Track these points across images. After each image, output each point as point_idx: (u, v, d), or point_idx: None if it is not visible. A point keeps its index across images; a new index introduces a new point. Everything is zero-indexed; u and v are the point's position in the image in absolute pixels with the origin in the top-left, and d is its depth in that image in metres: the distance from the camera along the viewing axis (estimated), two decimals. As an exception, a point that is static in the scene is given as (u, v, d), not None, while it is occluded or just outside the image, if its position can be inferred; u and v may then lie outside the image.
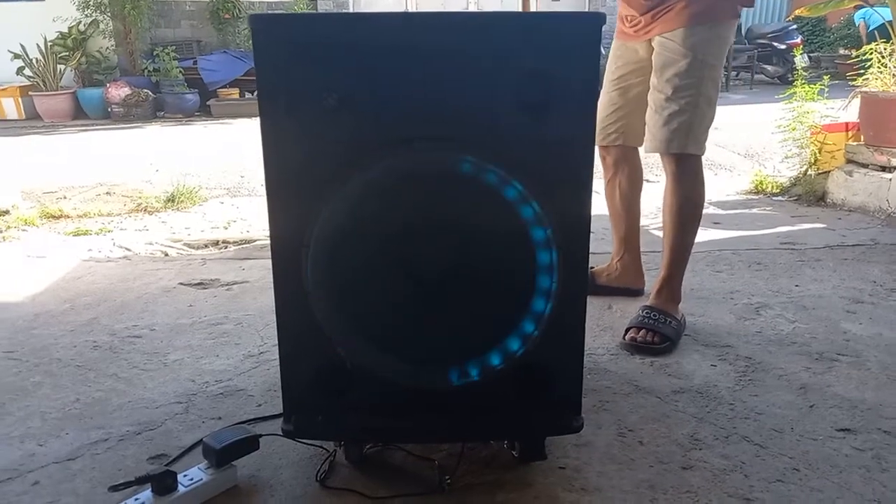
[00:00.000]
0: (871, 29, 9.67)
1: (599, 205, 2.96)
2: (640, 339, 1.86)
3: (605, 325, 2.02)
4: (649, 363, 1.77)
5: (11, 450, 1.41)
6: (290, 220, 1.14)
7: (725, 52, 1.90)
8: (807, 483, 1.28)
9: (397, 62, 1.10)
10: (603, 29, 1.09)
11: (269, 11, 9.05)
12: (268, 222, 1.16)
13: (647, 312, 1.92)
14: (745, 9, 1.95)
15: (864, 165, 3.38)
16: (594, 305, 2.10)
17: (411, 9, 9.74)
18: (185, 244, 3.05)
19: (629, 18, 1.96)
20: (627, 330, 1.91)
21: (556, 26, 1.09)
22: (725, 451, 1.38)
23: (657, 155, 1.95)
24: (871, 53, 3.45)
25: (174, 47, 8.48)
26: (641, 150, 2.11)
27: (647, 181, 4.13)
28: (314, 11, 9.04)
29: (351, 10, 9.49)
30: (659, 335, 1.86)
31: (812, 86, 3.74)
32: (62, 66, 8.31)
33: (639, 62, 2.00)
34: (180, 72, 8.28)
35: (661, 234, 2.35)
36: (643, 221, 3.20)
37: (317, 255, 1.13)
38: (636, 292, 2.24)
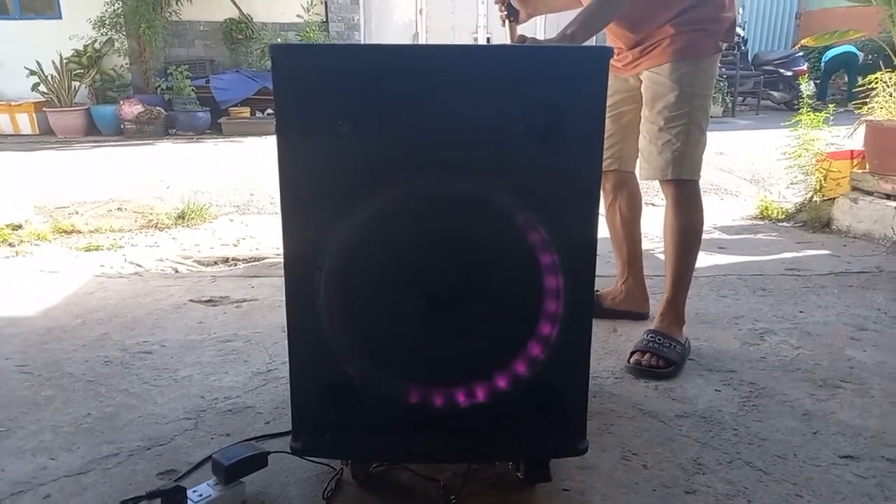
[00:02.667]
0: (826, 58, 9.82)
1: (603, 227, 2.99)
2: (645, 363, 1.88)
3: (610, 348, 2.04)
4: (654, 387, 1.79)
5: (24, 463, 1.44)
6: (304, 241, 1.18)
7: (712, 83, 1.99)
8: (809, 510, 1.29)
9: (409, 92, 1.14)
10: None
11: (282, 32, 9.19)
12: (282, 243, 1.19)
13: (651, 336, 1.94)
14: (740, 37, 2.03)
15: (870, 193, 3.40)
16: (599, 328, 2.12)
17: (421, 31, 9.87)
18: (195, 261, 3.09)
19: (617, 52, 2.04)
20: (632, 354, 1.93)
21: (566, 59, 1.12)
22: (729, 476, 1.39)
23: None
24: (877, 82, 3.49)
25: (187, 66, 8.61)
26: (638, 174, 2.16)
27: (653, 205, 4.17)
28: (326, 33, 9.17)
29: (362, 32, 9.61)
30: (663, 359, 1.88)
31: (817, 114, 3.78)
32: (76, 83, 8.43)
33: (629, 91, 2.08)
34: (193, 90, 8.39)
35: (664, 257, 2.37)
36: (648, 245, 3.23)
37: (329, 276, 1.16)
38: (641, 315, 2.26)
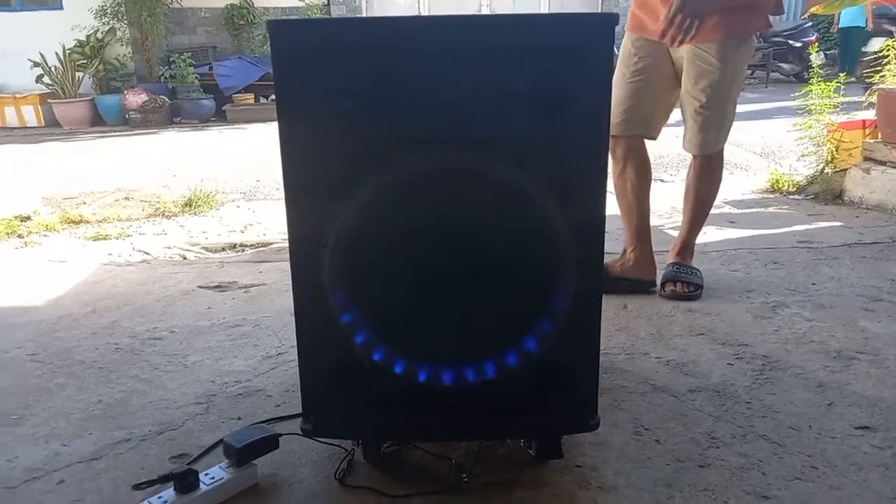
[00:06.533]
0: (841, 26, 9.67)
1: (610, 204, 2.95)
2: (679, 291, 2.19)
3: (621, 324, 2.02)
4: (665, 362, 1.77)
5: (37, 449, 1.44)
6: (309, 219, 1.16)
7: (752, 55, 2.10)
8: (825, 481, 1.27)
9: (412, 65, 1.11)
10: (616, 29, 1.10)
11: (284, 17, 9.13)
12: (286, 222, 1.17)
13: (676, 268, 2.24)
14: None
15: (882, 163, 3.35)
16: (610, 305, 2.11)
17: (424, 12, 9.78)
18: (202, 248, 3.09)
19: (656, 18, 2.00)
20: (664, 284, 2.23)
21: (570, 27, 1.10)
22: (743, 449, 1.38)
23: (669, 155, 2.06)
24: (889, 50, 3.42)
25: (190, 54, 8.58)
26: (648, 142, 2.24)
27: (662, 181, 4.13)
28: (328, 16, 9.10)
29: (364, 14, 9.53)
30: (692, 285, 2.20)
31: (828, 83, 3.71)
32: (80, 74, 8.43)
33: (659, 55, 2.09)
34: (196, 78, 8.38)
35: (675, 233, 2.35)
36: (658, 221, 3.20)
37: (335, 254, 1.15)
38: (650, 283, 2.27)
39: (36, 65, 8.10)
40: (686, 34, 1.87)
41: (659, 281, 2.26)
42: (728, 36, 1.94)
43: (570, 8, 9.85)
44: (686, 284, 2.20)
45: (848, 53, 9.60)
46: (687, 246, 2.27)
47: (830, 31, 10.40)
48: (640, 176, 2.21)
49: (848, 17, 9.44)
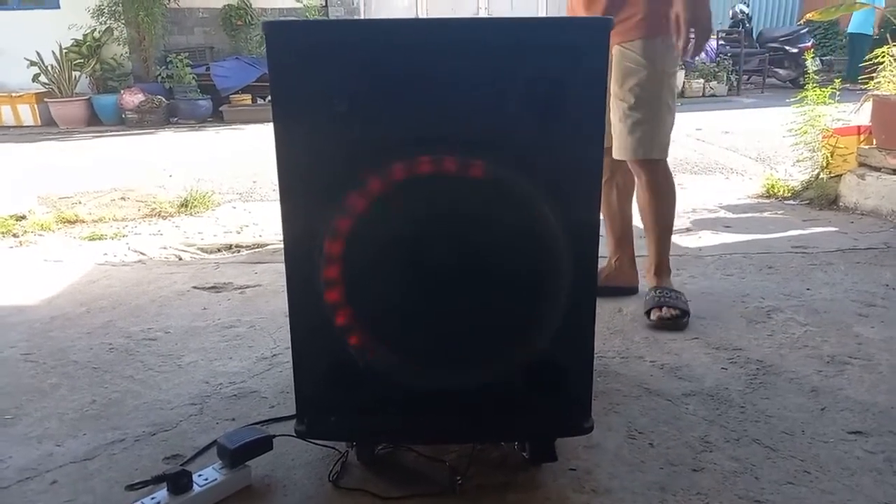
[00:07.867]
0: (850, 31, 9.68)
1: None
2: (665, 316, 2.01)
3: (616, 328, 2.03)
4: (659, 366, 1.77)
5: (30, 450, 1.44)
6: (304, 221, 1.16)
7: (680, 60, 2.02)
8: (817, 485, 1.28)
9: (408, 67, 1.12)
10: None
11: (281, 18, 9.13)
12: (281, 224, 1.18)
13: (659, 293, 2.07)
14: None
15: (877, 169, 3.36)
16: (604, 309, 2.11)
17: (422, 14, 9.79)
18: (198, 248, 3.08)
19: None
20: (648, 312, 2.05)
21: (567, 30, 1.10)
22: (736, 453, 1.38)
23: None
24: (884, 56, 3.44)
25: (187, 54, 8.57)
26: None
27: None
28: (325, 18, 9.10)
29: (362, 16, 9.54)
30: (678, 310, 2.03)
31: (824, 89, 3.73)
32: (77, 73, 8.41)
33: None
34: (193, 78, 8.37)
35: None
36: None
37: (329, 256, 1.15)
38: (632, 290, 2.27)
39: (32, 64, 8.08)
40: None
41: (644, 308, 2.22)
42: (654, 34, 1.90)
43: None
44: (671, 309, 2.03)
45: (854, 59, 9.61)
46: (662, 266, 2.13)
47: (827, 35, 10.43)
48: (627, 184, 2.22)
49: (856, 22, 9.43)
